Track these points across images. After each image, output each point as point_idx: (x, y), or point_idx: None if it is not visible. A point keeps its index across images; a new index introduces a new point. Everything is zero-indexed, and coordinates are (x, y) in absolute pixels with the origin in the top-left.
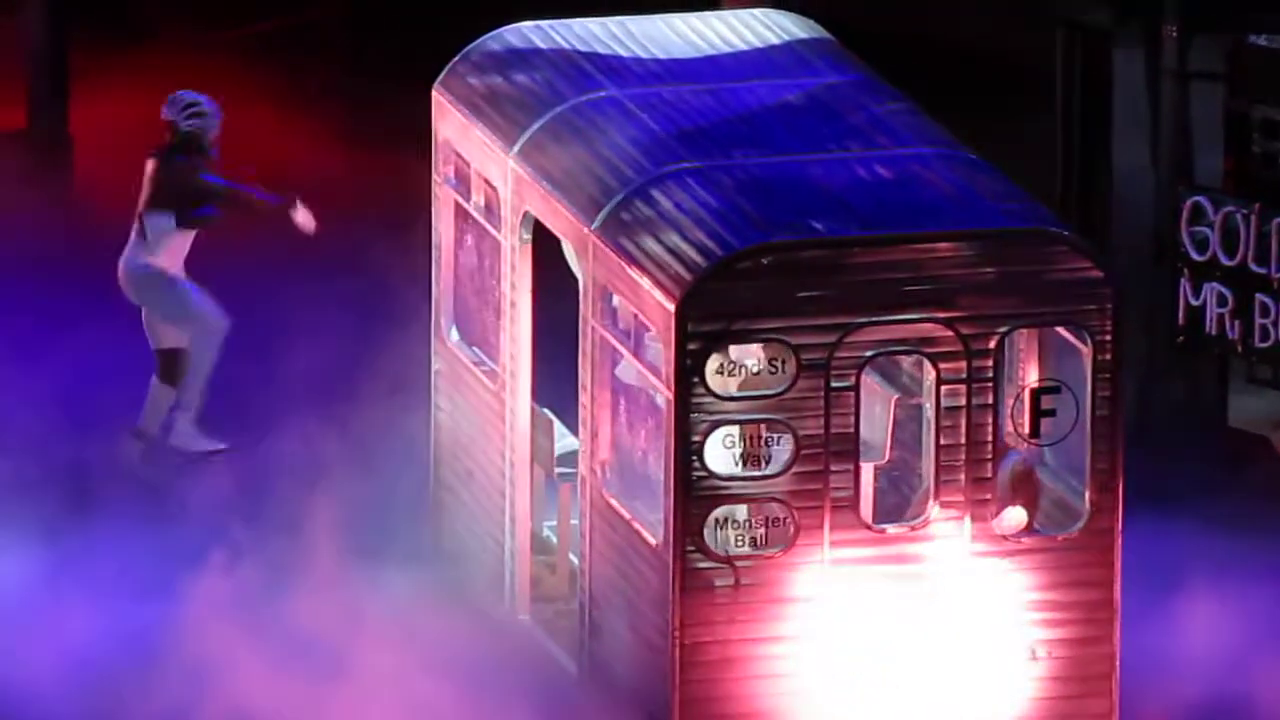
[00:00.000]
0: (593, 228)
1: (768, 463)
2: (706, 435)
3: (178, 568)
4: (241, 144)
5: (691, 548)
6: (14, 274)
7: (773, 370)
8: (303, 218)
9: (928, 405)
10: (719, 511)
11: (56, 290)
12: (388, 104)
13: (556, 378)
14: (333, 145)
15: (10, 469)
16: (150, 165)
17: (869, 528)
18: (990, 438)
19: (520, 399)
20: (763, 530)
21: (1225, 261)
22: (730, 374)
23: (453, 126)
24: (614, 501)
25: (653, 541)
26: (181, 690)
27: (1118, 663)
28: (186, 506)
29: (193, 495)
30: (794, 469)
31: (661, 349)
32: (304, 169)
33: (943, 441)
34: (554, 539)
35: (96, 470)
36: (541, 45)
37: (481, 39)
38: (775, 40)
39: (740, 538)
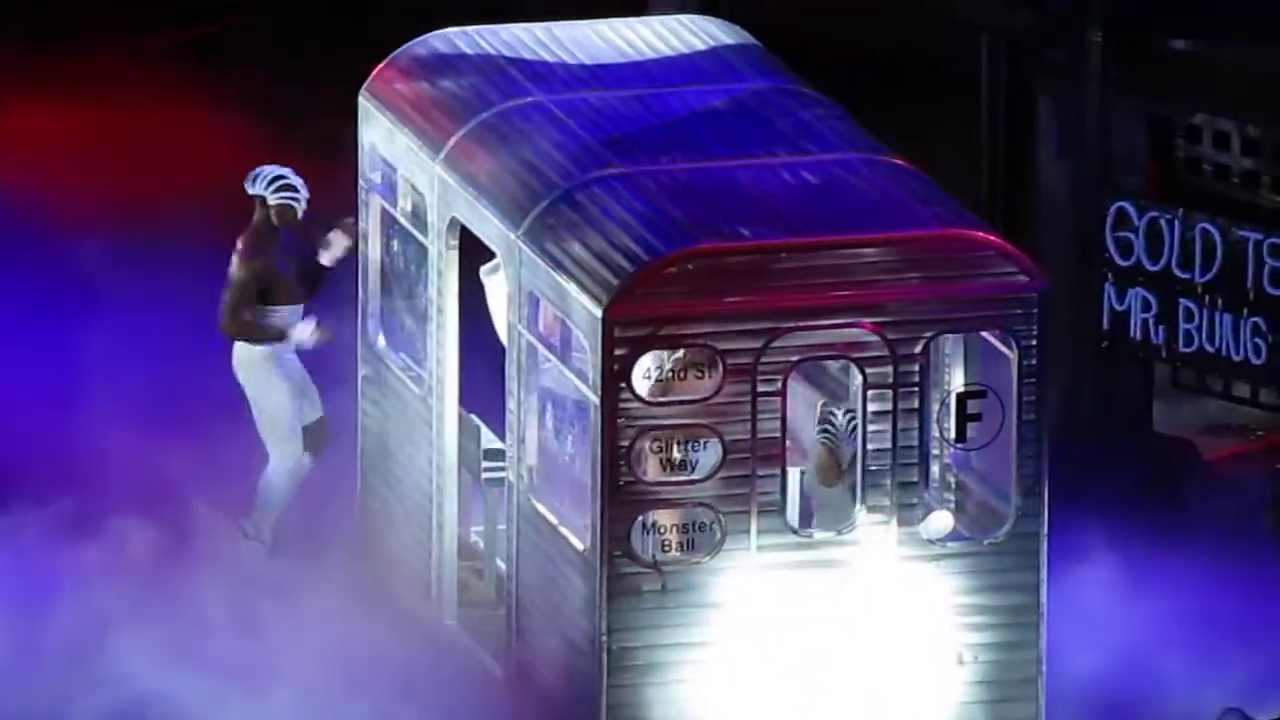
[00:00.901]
0: (519, 233)
1: (694, 468)
2: (633, 440)
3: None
4: (162, 153)
5: (618, 553)
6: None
7: (698, 375)
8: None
9: (854, 410)
10: (645, 516)
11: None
12: (313, 110)
13: (482, 383)
14: (257, 152)
15: None
16: (248, 255)
17: (795, 532)
18: (917, 442)
19: (447, 404)
20: (689, 535)
21: (1149, 267)
22: (656, 379)
23: (379, 132)
24: (541, 507)
25: (580, 547)
26: (103, 691)
27: (1043, 667)
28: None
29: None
30: (721, 474)
31: (588, 354)
32: (228, 177)
33: (869, 446)
34: (481, 544)
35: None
36: (468, 51)
37: (408, 44)
38: (702, 46)
39: (667, 543)
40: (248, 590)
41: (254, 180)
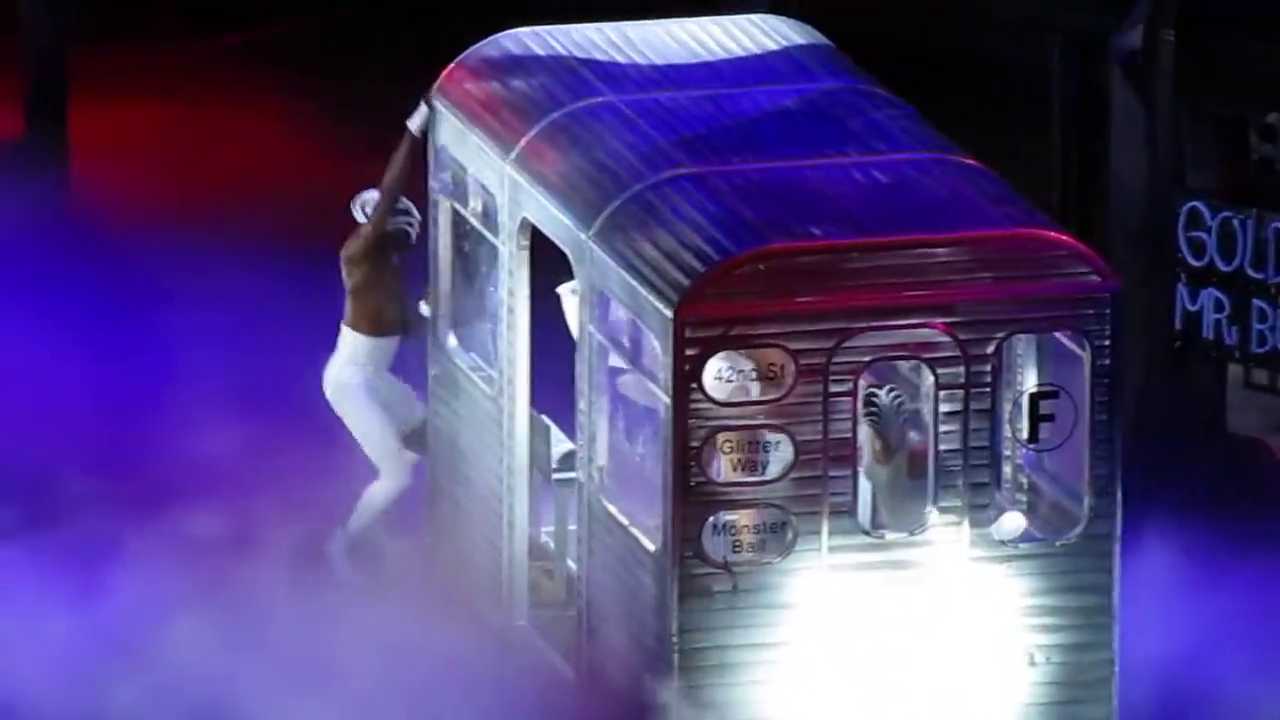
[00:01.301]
0: (590, 234)
1: (765, 468)
2: (705, 441)
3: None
4: (238, 151)
5: (689, 553)
6: (12, 283)
7: (770, 376)
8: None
9: (926, 410)
10: (716, 517)
11: (56, 299)
12: (383, 111)
13: (554, 383)
14: (330, 152)
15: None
16: (367, 271)
17: (867, 533)
18: (989, 443)
19: (518, 404)
20: (760, 536)
21: (1222, 267)
22: (728, 380)
23: (449, 132)
24: (611, 507)
25: (651, 547)
26: (187, 704)
27: (1116, 668)
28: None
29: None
30: (792, 474)
31: (659, 354)
32: (301, 176)
33: (941, 447)
34: (551, 544)
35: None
36: (539, 51)
37: (478, 44)
38: (773, 46)
39: (738, 543)
40: (318, 590)
41: (361, 207)
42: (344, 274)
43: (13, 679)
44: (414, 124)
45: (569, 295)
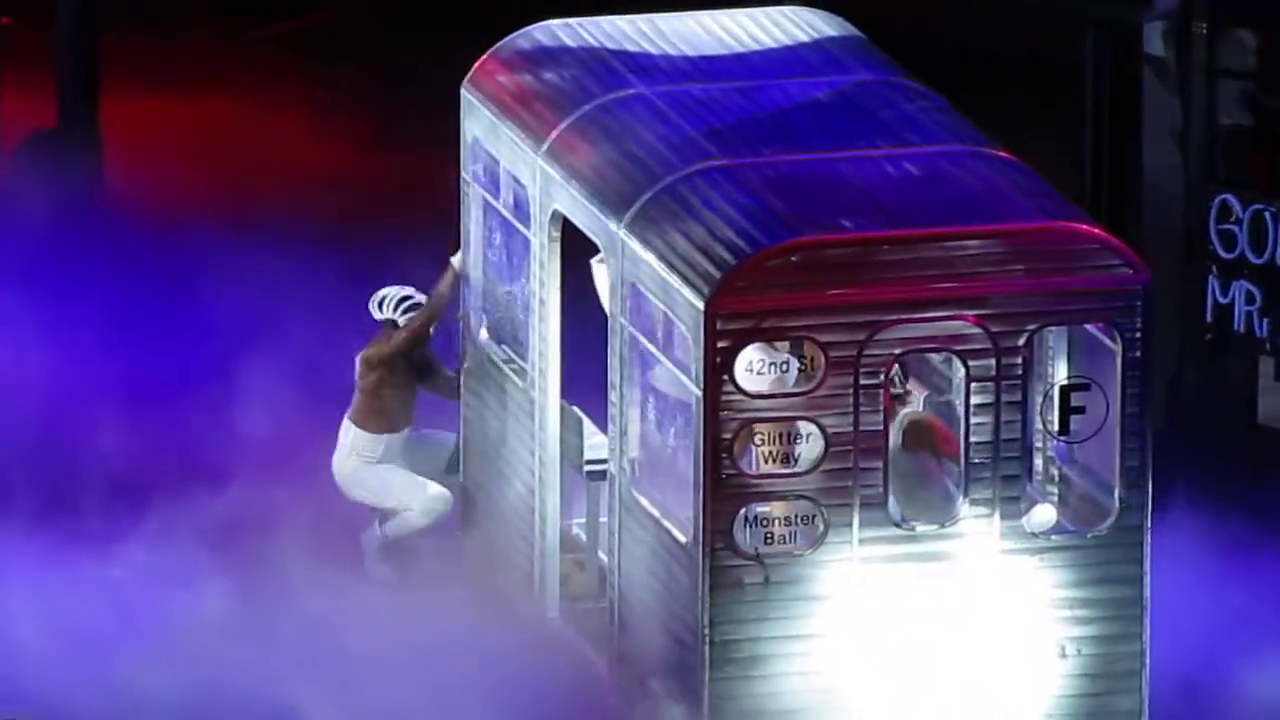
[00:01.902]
0: (621, 226)
1: (796, 461)
2: (736, 433)
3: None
4: (270, 144)
5: (721, 545)
6: (44, 272)
7: (801, 368)
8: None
9: (957, 403)
10: (748, 509)
11: (88, 287)
12: (415, 103)
13: (585, 375)
14: (361, 144)
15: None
16: (383, 374)
17: (898, 525)
18: (1020, 435)
19: (549, 396)
20: (791, 528)
21: (1254, 259)
22: (759, 372)
23: (481, 124)
24: (643, 499)
25: (682, 539)
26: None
27: (1147, 660)
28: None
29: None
30: (823, 467)
31: (690, 346)
32: (333, 168)
33: (972, 439)
34: (583, 536)
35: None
36: (570, 43)
37: (510, 37)
38: (805, 38)
39: (769, 535)
40: (350, 583)
41: (380, 305)
42: (358, 372)
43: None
44: (456, 259)
45: (599, 266)
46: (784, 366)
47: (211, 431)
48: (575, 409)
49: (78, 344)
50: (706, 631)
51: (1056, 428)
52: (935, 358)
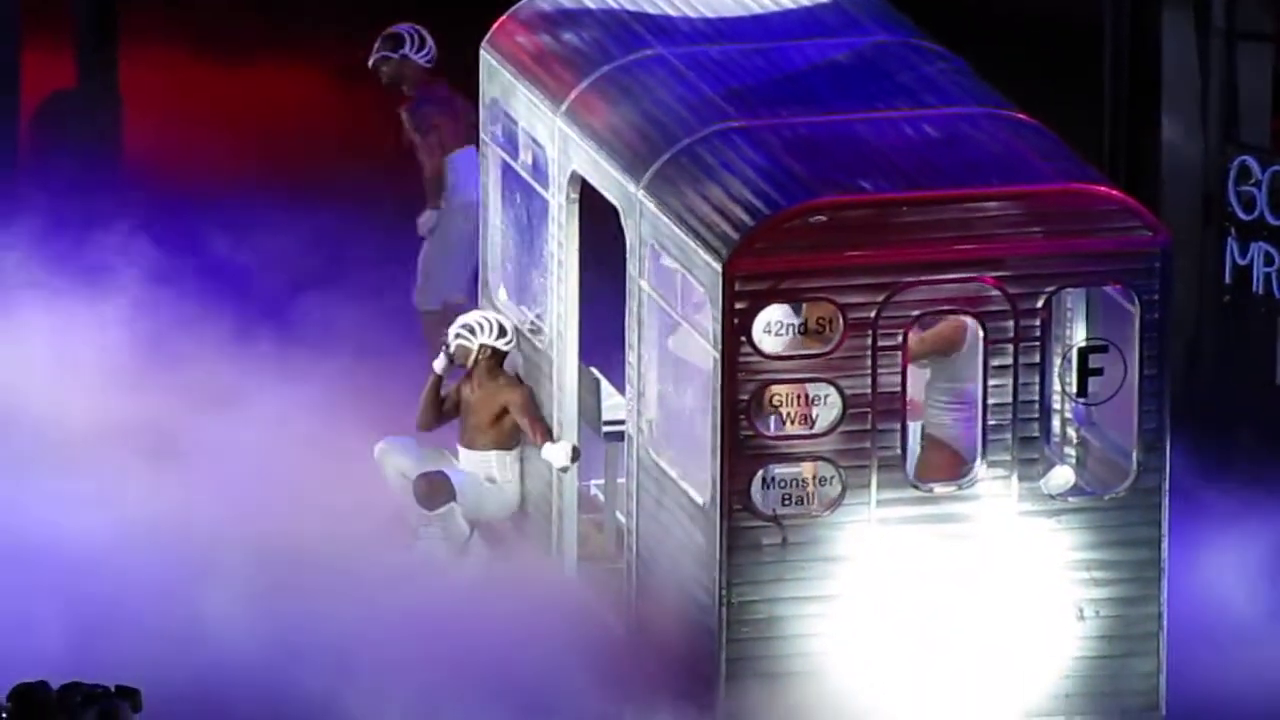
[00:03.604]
0: (640, 187)
1: (814, 422)
2: (754, 395)
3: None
4: (289, 106)
5: (739, 507)
6: (63, 234)
7: (819, 329)
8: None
9: (976, 364)
10: (765, 471)
11: (106, 252)
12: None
13: (603, 336)
14: (379, 103)
15: None
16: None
17: (915, 487)
18: (1038, 397)
19: (567, 357)
20: (809, 490)
21: (1272, 221)
22: (777, 334)
23: (500, 85)
24: (661, 460)
25: (700, 500)
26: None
27: (1164, 622)
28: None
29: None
30: (841, 428)
31: (708, 307)
32: (350, 129)
33: (990, 401)
34: (601, 497)
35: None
36: (589, 4)
37: None
38: None
39: (787, 497)
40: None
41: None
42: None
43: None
44: (439, 365)
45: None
46: (801, 328)
47: (230, 391)
48: (593, 370)
49: (97, 305)
50: (724, 593)
51: (1075, 389)
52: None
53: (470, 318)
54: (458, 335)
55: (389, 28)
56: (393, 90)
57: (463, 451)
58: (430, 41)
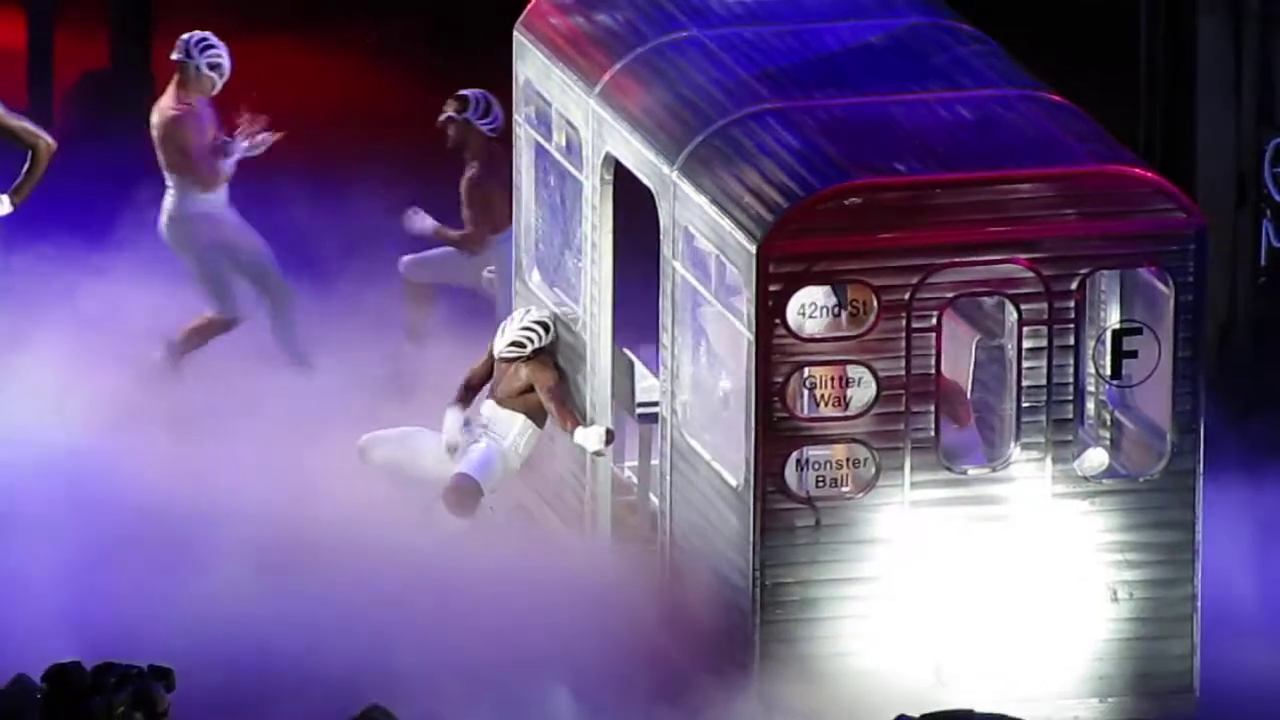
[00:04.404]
0: (674, 168)
1: (849, 404)
2: (788, 376)
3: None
4: (325, 88)
5: (772, 489)
6: (96, 216)
7: (853, 311)
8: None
9: (1009, 346)
10: (799, 452)
11: (141, 233)
12: (470, 45)
13: (637, 319)
14: (414, 87)
15: None
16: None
17: (949, 469)
18: (1072, 379)
19: (602, 339)
20: (843, 471)
21: None
22: (811, 316)
23: (534, 67)
24: (694, 442)
25: (734, 482)
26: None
27: (1198, 604)
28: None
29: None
30: (875, 410)
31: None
32: (387, 111)
33: (1024, 383)
34: (635, 479)
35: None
36: None
37: None
38: None
39: (821, 479)
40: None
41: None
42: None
43: None
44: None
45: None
46: (836, 310)
47: (257, 368)
48: (627, 352)
49: (128, 288)
50: (757, 575)
51: (1109, 372)
52: (988, 301)
53: (534, 321)
54: (525, 335)
55: (460, 90)
56: (455, 153)
57: (489, 404)
58: (497, 109)
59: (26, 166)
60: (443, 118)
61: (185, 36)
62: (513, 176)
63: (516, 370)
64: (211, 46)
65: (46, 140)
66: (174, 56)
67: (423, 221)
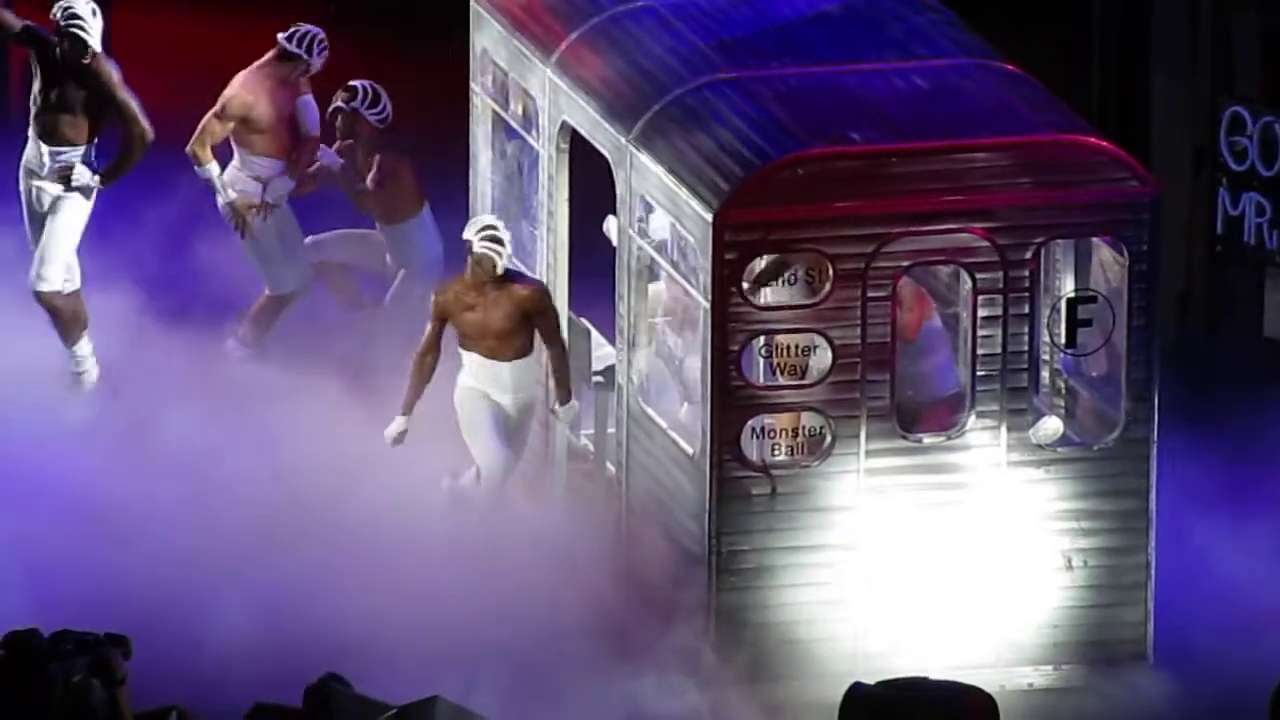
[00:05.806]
0: (630, 137)
1: (804, 372)
2: (744, 345)
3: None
4: None
5: (728, 457)
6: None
7: (809, 280)
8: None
9: (964, 315)
10: (755, 421)
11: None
12: (425, 15)
13: (593, 287)
14: (373, 55)
15: None
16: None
17: (905, 437)
18: (1026, 348)
19: (558, 307)
20: (798, 440)
21: (1264, 172)
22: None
23: (491, 36)
24: (650, 411)
25: (690, 451)
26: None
27: (1152, 572)
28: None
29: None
30: (830, 378)
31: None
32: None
33: (979, 351)
34: (591, 448)
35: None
36: None
37: None
38: None
39: (776, 447)
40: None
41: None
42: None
43: None
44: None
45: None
46: (792, 279)
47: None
48: (583, 320)
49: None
50: (713, 543)
51: (1064, 340)
52: (943, 270)
53: (491, 222)
54: (487, 243)
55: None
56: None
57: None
58: (385, 99)
59: (120, 153)
60: (331, 108)
61: (309, 30)
62: (469, 145)
63: (502, 299)
64: (328, 48)
65: (143, 127)
66: (291, 48)
67: (332, 159)
